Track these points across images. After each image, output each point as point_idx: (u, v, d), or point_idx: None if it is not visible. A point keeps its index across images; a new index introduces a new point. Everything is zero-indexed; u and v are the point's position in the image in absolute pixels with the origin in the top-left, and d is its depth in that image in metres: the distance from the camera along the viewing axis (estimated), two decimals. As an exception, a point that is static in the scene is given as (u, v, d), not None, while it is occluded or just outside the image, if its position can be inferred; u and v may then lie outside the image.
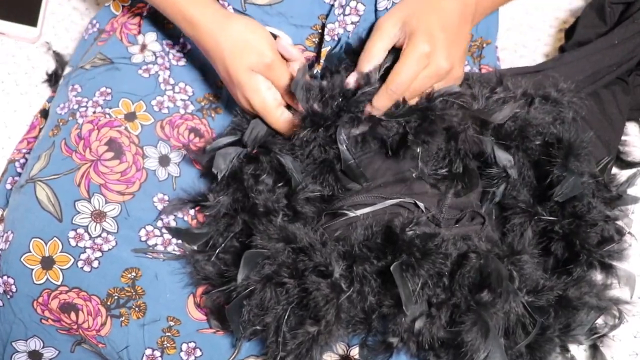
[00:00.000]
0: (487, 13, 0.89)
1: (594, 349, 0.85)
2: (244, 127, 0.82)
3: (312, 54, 0.88)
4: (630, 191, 0.88)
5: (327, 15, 0.86)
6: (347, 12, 0.84)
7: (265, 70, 0.78)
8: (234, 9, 0.86)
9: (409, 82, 0.75)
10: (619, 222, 0.84)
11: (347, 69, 0.82)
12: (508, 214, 0.81)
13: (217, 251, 0.78)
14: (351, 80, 0.78)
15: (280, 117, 0.79)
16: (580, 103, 0.85)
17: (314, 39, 0.88)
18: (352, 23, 0.85)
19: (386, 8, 0.85)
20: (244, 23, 0.79)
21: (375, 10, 0.86)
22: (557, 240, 0.80)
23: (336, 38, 0.86)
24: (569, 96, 0.84)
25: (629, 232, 0.84)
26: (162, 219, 0.82)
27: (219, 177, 0.78)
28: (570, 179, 0.77)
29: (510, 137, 0.79)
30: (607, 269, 0.81)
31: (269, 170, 0.80)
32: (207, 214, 0.80)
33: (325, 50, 0.86)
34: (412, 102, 0.77)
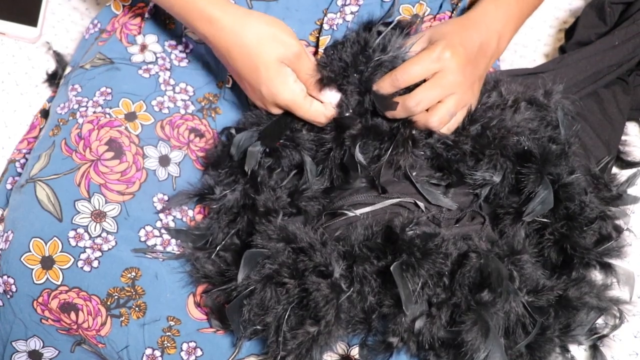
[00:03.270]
0: (502, 50, 0.87)
1: (594, 349, 0.85)
2: (263, 122, 0.82)
3: (314, 49, 0.88)
4: (630, 191, 0.88)
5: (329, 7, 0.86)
6: (347, 2, 0.85)
7: (294, 59, 0.77)
8: None
9: (416, 77, 0.76)
10: (617, 219, 0.83)
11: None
12: (500, 214, 0.81)
13: (217, 248, 0.78)
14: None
15: (311, 107, 0.79)
16: (569, 103, 0.85)
17: (316, 34, 0.88)
18: (351, 13, 0.85)
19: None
20: (265, 19, 0.79)
21: (382, 2, 0.86)
22: (549, 246, 0.80)
23: (335, 28, 0.86)
24: (557, 97, 0.84)
25: (628, 229, 0.84)
26: (161, 220, 0.82)
27: (249, 173, 0.79)
28: (542, 196, 0.77)
29: (489, 146, 0.79)
30: (606, 267, 0.81)
31: (285, 165, 0.80)
32: (212, 207, 0.80)
33: (323, 40, 0.86)
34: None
